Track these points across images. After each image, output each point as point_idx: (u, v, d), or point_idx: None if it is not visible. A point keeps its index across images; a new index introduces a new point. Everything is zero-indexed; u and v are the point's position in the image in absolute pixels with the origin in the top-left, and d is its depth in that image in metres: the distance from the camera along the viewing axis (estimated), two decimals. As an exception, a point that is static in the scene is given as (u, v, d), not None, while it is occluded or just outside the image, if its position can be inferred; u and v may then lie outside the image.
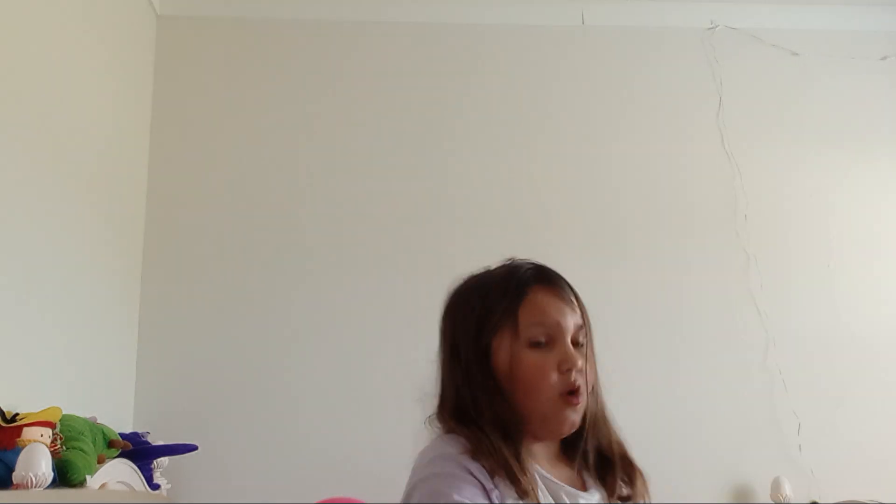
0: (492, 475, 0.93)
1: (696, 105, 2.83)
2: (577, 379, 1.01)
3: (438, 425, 1.04)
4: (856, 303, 2.70)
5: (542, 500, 0.95)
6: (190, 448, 2.14)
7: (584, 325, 1.07)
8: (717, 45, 2.88)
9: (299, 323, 2.55)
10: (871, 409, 2.60)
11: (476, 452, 0.95)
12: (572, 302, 1.07)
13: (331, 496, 2.15)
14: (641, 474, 1.11)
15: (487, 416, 1.00)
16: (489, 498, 0.91)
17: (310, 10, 2.82)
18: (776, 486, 2.43)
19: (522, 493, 0.92)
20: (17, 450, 1.39)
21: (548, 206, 2.71)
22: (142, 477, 1.94)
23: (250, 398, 2.48)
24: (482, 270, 1.12)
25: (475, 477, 0.92)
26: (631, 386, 2.57)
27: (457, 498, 0.89)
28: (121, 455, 1.87)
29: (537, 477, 0.98)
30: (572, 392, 1.01)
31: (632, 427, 2.74)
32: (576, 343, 1.05)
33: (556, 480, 1.00)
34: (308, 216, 2.65)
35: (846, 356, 2.64)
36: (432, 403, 1.07)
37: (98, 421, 1.85)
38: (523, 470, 0.95)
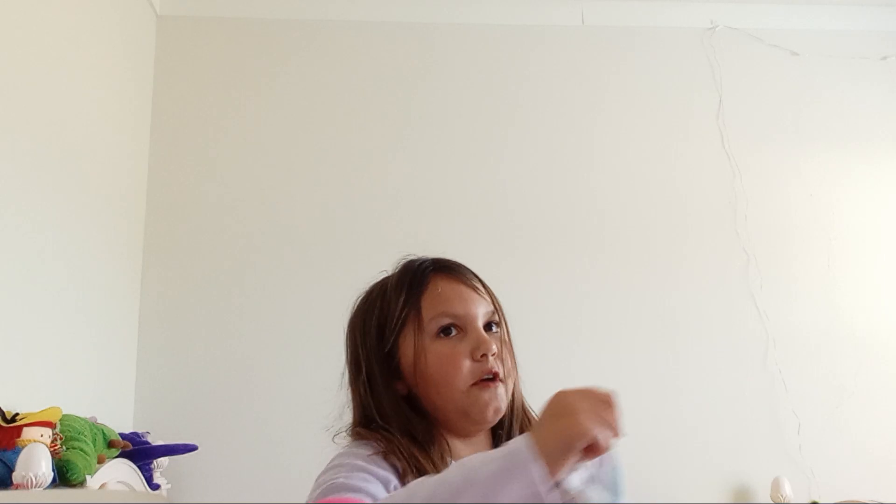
0: (403, 476, 0.89)
1: (696, 105, 2.83)
2: (494, 364, 0.95)
3: (347, 439, 0.99)
4: (856, 303, 2.70)
5: None
6: (190, 448, 2.14)
7: (496, 311, 1.00)
8: (717, 45, 2.88)
9: (300, 323, 2.55)
10: (871, 409, 2.59)
11: (388, 453, 0.90)
12: (479, 288, 1.00)
13: (331, 496, 2.15)
14: None
15: (395, 424, 0.95)
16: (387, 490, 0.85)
17: (310, 10, 2.82)
18: (776, 486, 2.43)
19: None
20: (17, 450, 1.39)
21: (546, 205, 2.70)
22: (142, 477, 1.94)
23: (250, 398, 2.48)
24: (380, 277, 1.07)
25: (382, 472, 0.87)
26: (630, 386, 2.56)
27: (342, 480, 0.83)
28: (121, 455, 1.87)
29: None
30: (489, 378, 0.95)
31: (632, 427, 2.73)
32: (488, 328, 0.99)
33: None
34: (309, 216, 2.65)
35: (846, 356, 2.64)
36: (341, 423, 1.03)
37: (98, 421, 1.85)
38: (437, 469, 0.90)
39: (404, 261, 1.06)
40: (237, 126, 2.71)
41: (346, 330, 1.07)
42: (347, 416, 1.04)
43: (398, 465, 0.90)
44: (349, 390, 1.04)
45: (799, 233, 2.75)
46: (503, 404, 0.97)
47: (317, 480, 0.88)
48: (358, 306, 1.07)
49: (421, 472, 0.89)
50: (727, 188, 2.76)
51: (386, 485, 0.86)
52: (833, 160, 2.82)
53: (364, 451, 0.91)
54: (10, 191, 1.71)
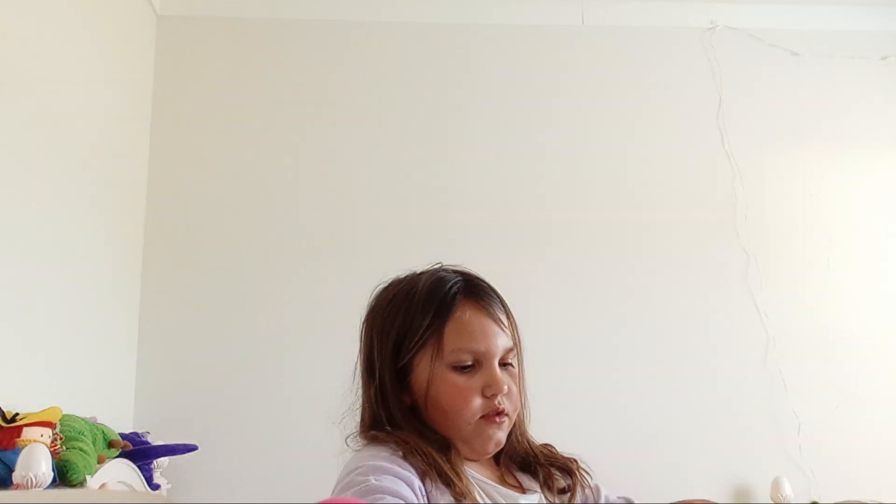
0: (423, 477, 0.89)
1: (696, 105, 2.83)
2: (503, 402, 0.97)
3: (360, 441, 1.00)
4: (856, 303, 2.70)
5: (480, 502, 0.92)
6: (190, 448, 2.14)
7: (514, 347, 1.01)
8: (717, 45, 2.88)
9: (300, 323, 2.55)
10: (871, 409, 2.60)
11: (407, 454, 0.91)
12: (502, 321, 1.00)
13: (331, 496, 2.15)
14: (576, 461, 1.06)
15: (407, 431, 0.96)
16: (416, 497, 0.85)
17: (310, 10, 2.82)
18: (776, 486, 2.43)
19: (459, 496, 0.89)
20: (17, 450, 1.38)
21: (546, 206, 2.70)
22: (142, 477, 1.94)
23: (250, 398, 2.48)
24: (407, 276, 1.05)
25: (406, 473, 0.87)
26: (630, 386, 2.57)
27: (374, 482, 0.83)
28: (121, 455, 1.87)
29: (472, 480, 0.94)
30: (495, 412, 0.97)
31: (632, 427, 2.74)
32: (504, 363, 0.99)
33: (491, 483, 0.97)
34: (309, 217, 2.65)
35: (846, 356, 2.64)
36: (351, 420, 1.03)
37: (98, 421, 1.85)
38: (457, 473, 0.91)
39: (435, 272, 1.04)
40: (237, 126, 2.71)
41: (364, 323, 1.05)
42: (356, 415, 1.04)
43: (418, 465, 0.90)
44: (359, 387, 1.05)
45: (799, 233, 2.75)
46: (504, 438, 1.00)
47: (340, 482, 0.88)
48: (380, 306, 1.04)
49: (440, 473, 0.90)
50: (727, 188, 2.76)
51: (410, 485, 0.86)
52: (833, 160, 2.82)
53: (384, 452, 0.92)
54: (10, 191, 1.71)
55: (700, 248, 2.71)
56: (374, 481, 0.83)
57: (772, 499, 2.43)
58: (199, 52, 2.77)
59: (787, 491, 2.42)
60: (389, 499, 0.81)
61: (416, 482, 0.87)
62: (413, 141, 2.74)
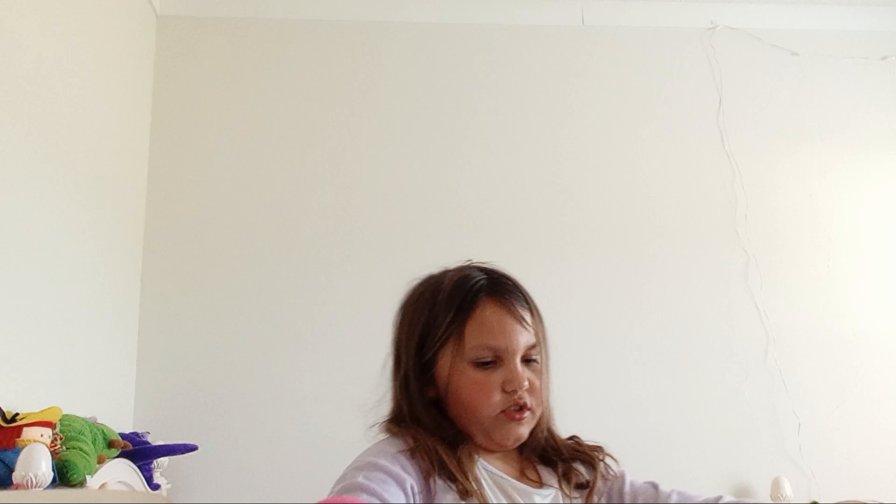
0: (427, 475, 0.91)
1: (696, 105, 2.83)
2: (524, 396, 0.99)
3: (382, 433, 1.03)
4: (855, 303, 2.70)
5: (490, 499, 0.93)
6: (190, 448, 2.14)
7: (538, 344, 1.03)
8: (717, 45, 2.88)
9: (300, 322, 2.55)
10: (871, 409, 2.60)
11: (415, 451, 0.93)
12: (525, 319, 1.02)
13: (332, 496, 2.15)
14: (601, 450, 1.08)
15: (425, 424, 0.99)
16: (406, 496, 0.88)
17: (310, 10, 2.82)
18: (776, 486, 2.43)
19: (463, 493, 0.91)
20: (17, 450, 1.39)
21: (546, 206, 2.70)
22: (142, 477, 1.94)
23: (251, 398, 2.48)
24: (439, 272, 1.08)
25: (400, 472, 0.89)
26: (630, 386, 2.57)
27: (361, 480, 0.86)
28: (121, 455, 1.87)
29: (485, 474, 0.96)
30: (517, 408, 0.98)
31: (632, 426, 2.74)
32: (527, 360, 1.01)
33: (507, 477, 0.99)
34: (309, 216, 2.65)
35: (846, 356, 2.64)
36: (380, 411, 1.06)
37: (98, 421, 1.85)
38: (463, 471, 0.93)
39: (463, 269, 1.07)
40: (237, 126, 2.71)
41: (395, 317, 1.09)
42: (386, 405, 1.07)
43: (423, 464, 0.92)
44: (391, 378, 1.08)
45: (799, 233, 2.75)
46: (526, 433, 1.01)
47: (343, 473, 0.92)
48: (409, 302, 1.08)
49: (445, 471, 0.92)
50: (727, 188, 2.76)
51: (402, 486, 0.88)
52: (833, 160, 2.82)
53: (391, 448, 0.95)
54: (10, 190, 1.71)
55: (700, 249, 2.71)
56: (361, 479, 0.86)
57: (772, 499, 2.43)
58: (199, 52, 2.78)
59: (787, 491, 2.42)
60: (365, 497, 0.83)
61: (410, 482, 0.90)
62: (412, 141, 2.74)
